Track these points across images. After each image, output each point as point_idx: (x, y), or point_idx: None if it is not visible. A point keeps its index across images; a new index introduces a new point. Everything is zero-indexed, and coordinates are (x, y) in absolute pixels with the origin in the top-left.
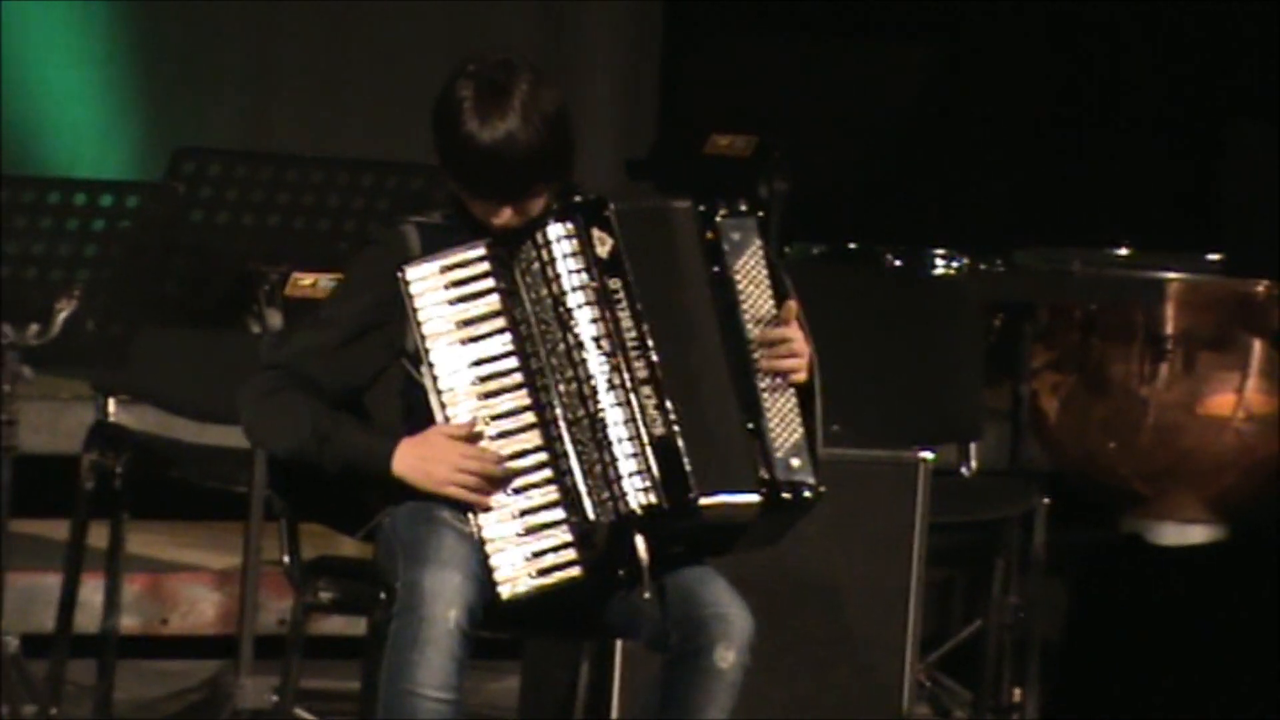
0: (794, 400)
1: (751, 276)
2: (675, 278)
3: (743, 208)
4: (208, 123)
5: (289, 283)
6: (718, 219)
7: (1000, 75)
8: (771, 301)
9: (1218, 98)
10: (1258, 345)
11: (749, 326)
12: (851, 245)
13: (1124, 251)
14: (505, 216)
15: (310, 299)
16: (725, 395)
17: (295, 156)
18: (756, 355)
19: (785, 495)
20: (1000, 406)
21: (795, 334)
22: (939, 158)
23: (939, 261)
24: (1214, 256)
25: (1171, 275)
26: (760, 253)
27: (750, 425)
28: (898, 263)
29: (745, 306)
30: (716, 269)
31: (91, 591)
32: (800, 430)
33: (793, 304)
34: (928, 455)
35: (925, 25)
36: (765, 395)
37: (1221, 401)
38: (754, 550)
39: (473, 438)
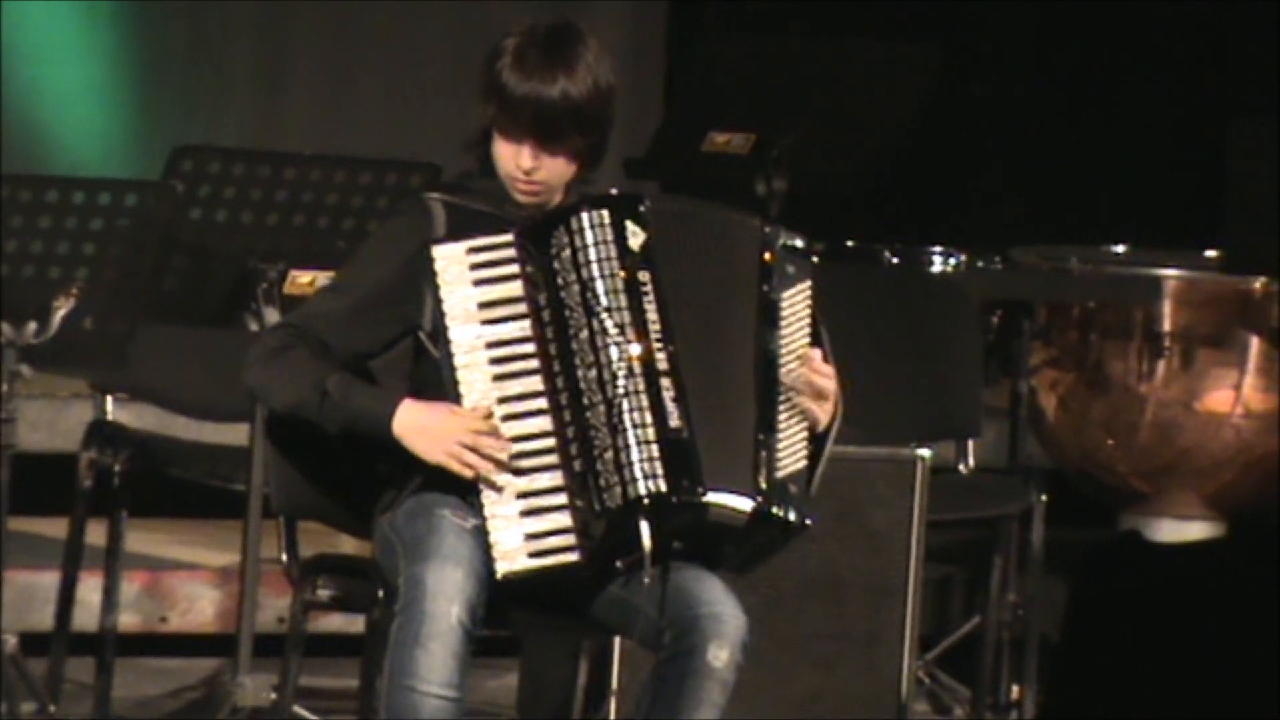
0: (805, 435)
1: (796, 311)
2: (720, 283)
3: (798, 242)
4: (215, 122)
5: (287, 280)
6: (779, 244)
7: (998, 73)
8: (807, 340)
9: (1218, 95)
10: (1255, 342)
11: (782, 354)
12: (850, 243)
13: (1122, 249)
14: (531, 163)
15: (308, 296)
16: (745, 404)
17: (293, 154)
18: (785, 381)
19: (776, 510)
20: (999, 404)
21: (832, 379)
22: (937, 156)
23: (937, 259)
24: (1212, 254)
25: (1169, 272)
26: (809, 294)
27: (760, 437)
28: (896, 260)
29: (783, 333)
30: (766, 288)
31: (90, 590)
32: (804, 463)
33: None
34: (926, 452)
35: (923, 23)
36: (782, 418)
37: (1220, 398)
38: (725, 572)
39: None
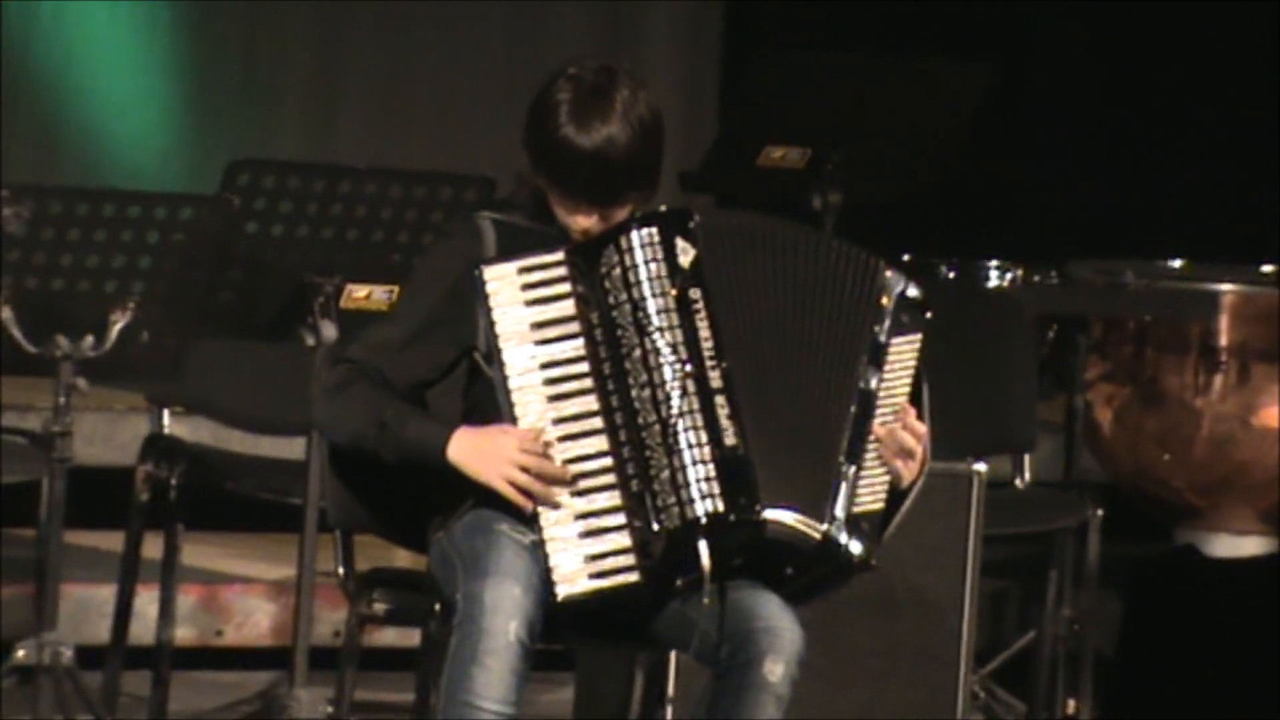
0: (888, 481)
1: (901, 360)
2: (797, 301)
3: (917, 294)
4: (270, 134)
5: (343, 294)
6: (898, 291)
7: (1053, 87)
8: (907, 391)
9: (1274, 109)
10: None
11: (880, 398)
12: (905, 257)
13: (1178, 263)
14: (589, 222)
15: (364, 310)
16: (829, 430)
17: (349, 168)
18: (879, 423)
19: (842, 540)
20: (1054, 418)
21: (920, 441)
22: (993, 170)
23: (993, 273)
24: (1268, 268)
25: (1226, 287)
26: (917, 348)
27: (843, 469)
28: (952, 275)
29: (885, 378)
30: (876, 329)
31: (146, 603)
32: (881, 506)
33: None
34: (982, 467)
35: (981, 39)
36: (869, 457)
37: (1276, 413)
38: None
39: (535, 442)
